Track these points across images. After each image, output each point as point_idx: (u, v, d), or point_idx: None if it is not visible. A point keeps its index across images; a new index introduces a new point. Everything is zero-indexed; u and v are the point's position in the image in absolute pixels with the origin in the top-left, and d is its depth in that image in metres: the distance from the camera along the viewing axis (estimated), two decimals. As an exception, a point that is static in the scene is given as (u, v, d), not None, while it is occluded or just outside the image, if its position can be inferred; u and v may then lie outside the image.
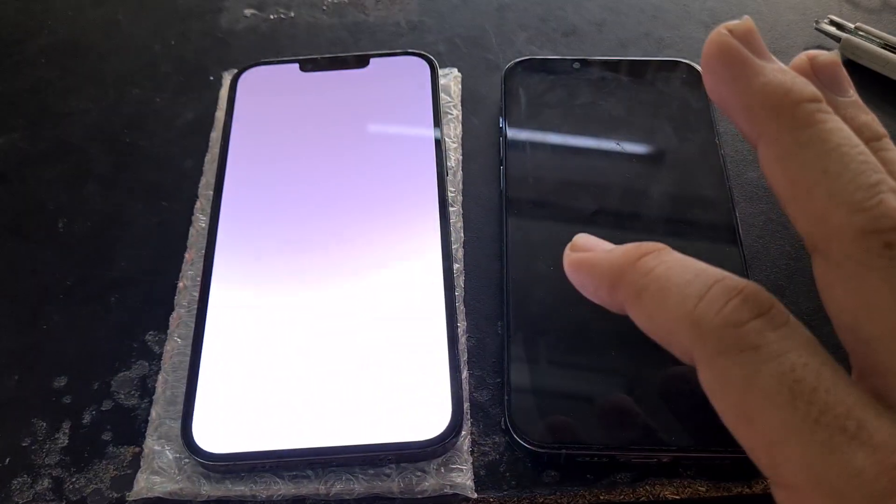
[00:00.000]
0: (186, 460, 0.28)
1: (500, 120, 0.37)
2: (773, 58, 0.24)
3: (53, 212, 0.36)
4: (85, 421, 0.30)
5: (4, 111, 0.40)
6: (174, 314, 0.32)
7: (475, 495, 0.28)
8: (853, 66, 0.39)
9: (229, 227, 0.33)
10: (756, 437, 0.20)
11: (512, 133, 0.36)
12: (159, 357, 0.31)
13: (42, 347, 0.32)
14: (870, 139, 0.23)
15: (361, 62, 0.38)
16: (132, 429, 0.29)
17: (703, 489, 0.28)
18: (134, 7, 0.44)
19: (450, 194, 0.34)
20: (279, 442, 0.27)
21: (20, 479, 0.28)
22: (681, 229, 0.33)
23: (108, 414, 0.30)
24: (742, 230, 0.33)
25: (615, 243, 0.32)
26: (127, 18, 0.44)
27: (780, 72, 0.23)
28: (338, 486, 0.27)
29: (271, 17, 0.43)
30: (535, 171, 0.35)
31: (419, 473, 0.28)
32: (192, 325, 0.31)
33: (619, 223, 0.33)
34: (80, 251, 0.34)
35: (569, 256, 0.26)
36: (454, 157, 0.36)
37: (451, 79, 0.39)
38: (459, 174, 0.36)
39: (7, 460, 0.29)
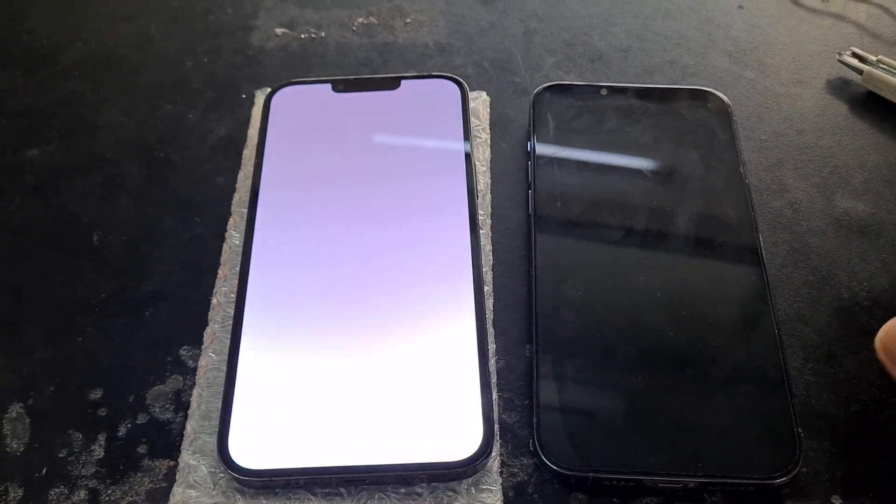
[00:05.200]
0: (222, 475, 0.28)
1: (529, 144, 0.37)
2: None
3: (87, 224, 0.36)
4: (120, 433, 0.30)
5: (39, 123, 0.40)
6: (208, 330, 0.32)
7: (504, 516, 0.28)
8: (875, 99, 0.40)
9: (263, 244, 0.33)
10: None
11: (540, 156, 0.36)
12: (193, 372, 0.32)
13: (77, 359, 0.32)
14: None
15: (392, 84, 0.39)
16: (167, 442, 0.30)
17: (729, 515, 0.28)
18: (166, 22, 0.45)
19: (479, 217, 0.35)
20: (313, 459, 0.28)
21: (57, 490, 0.29)
22: (706, 256, 0.34)
23: (143, 427, 0.30)
24: (766, 258, 0.33)
25: (641, 268, 0.33)
26: (159, 33, 0.44)
27: None
28: (370, 504, 0.28)
29: (302, 36, 0.44)
30: (564, 195, 0.35)
31: (450, 493, 0.28)
32: (227, 341, 0.31)
33: (645, 248, 0.34)
34: (114, 264, 0.35)
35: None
36: (483, 180, 0.37)
37: (480, 102, 0.40)
38: (488, 197, 0.36)
39: (44, 471, 0.29)
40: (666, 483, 0.28)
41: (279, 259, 0.33)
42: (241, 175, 0.37)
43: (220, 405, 0.29)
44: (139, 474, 0.29)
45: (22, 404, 0.31)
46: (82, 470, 0.29)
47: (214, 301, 0.33)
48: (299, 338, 0.31)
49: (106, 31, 0.45)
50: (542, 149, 0.37)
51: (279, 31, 0.44)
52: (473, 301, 0.32)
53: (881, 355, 0.29)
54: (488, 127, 0.39)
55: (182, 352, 0.32)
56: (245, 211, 0.35)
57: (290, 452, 0.28)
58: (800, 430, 0.29)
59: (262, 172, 0.36)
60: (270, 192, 0.35)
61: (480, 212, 0.35)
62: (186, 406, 0.31)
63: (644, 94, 0.39)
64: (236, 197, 0.36)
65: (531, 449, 0.29)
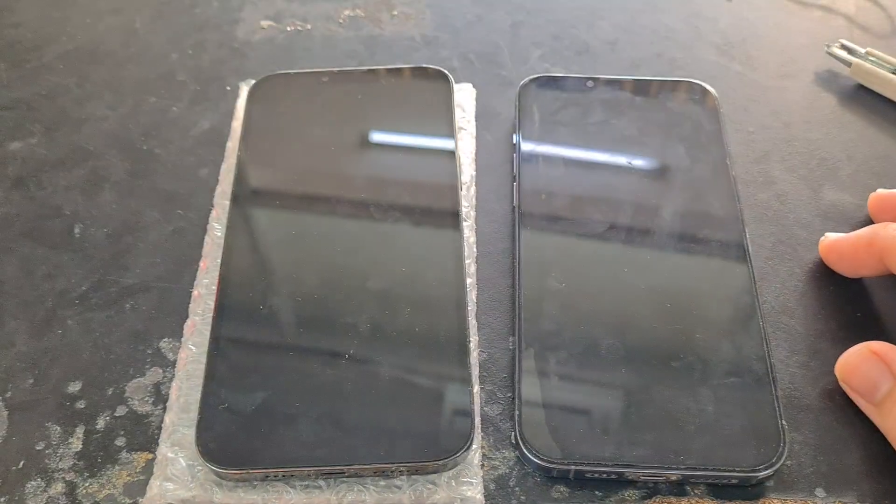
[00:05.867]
0: (199, 468, 0.28)
1: (514, 136, 0.37)
2: None
3: (70, 217, 0.36)
4: (99, 426, 0.30)
5: (23, 116, 0.40)
6: (189, 322, 0.32)
7: (485, 509, 0.28)
8: (864, 91, 0.40)
9: (245, 237, 0.33)
10: None
11: (526, 149, 0.36)
12: (173, 364, 0.31)
13: (57, 352, 0.32)
14: None
15: (378, 76, 0.39)
16: (146, 435, 0.30)
17: (711, 508, 0.28)
18: (151, 16, 0.45)
19: (463, 209, 0.34)
20: (292, 452, 0.27)
21: (34, 483, 0.29)
22: (691, 249, 0.33)
23: (121, 420, 0.30)
24: (752, 250, 0.33)
25: (626, 261, 0.33)
26: (144, 27, 0.44)
27: None
28: (349, 497, 0.28)
29: (288, 28, 0.44)
30: (548, 188, 0.35)
31: (430, 486, 0.28)
32: (207, 334, 0.31)
33: (629, 241, 0.33)
34: (95, 257, 0.35)
35: (822, 242, 0.34)
36: (468, 172, 0.36)
37: (465, 94, 0.39)
38: (473, 189, 0.36)
39: (21, 463, 0.29)
40: (648, 475, 0.28)
41: (260, 251, 0.33)
42: (224, 167, 0.37)
43: (199, 398, 0.29)
44: (117, 467, 0.29)
45: (0, 397, 0.31)
46: (60, 463, 0.29)
47: (195, 293, 0.33)
48: (278, 330, 0.31)
49: (91, 25, 0.44)
50: (528, 141, 0.36)
51: (265, 23, 0.44)
52: (455, 293, 0.31)
53: (843, 385, 0.30)
54: (474, 119, 0.39)
55: (162, 344, 0.32)
56: (227, 203, 0.35)
57: (269, 445, 0.28)
58: (784, 422, 0.28)
59: (245, 165, 0.36)
60: (253, 185, 0.35)
61: (465, 204, 0.35)
62: (166, 399, 0.30)
63: (630, 86, 0.38)
64: (219, 189, 0.36)
65: (513, 442, 0.29)
